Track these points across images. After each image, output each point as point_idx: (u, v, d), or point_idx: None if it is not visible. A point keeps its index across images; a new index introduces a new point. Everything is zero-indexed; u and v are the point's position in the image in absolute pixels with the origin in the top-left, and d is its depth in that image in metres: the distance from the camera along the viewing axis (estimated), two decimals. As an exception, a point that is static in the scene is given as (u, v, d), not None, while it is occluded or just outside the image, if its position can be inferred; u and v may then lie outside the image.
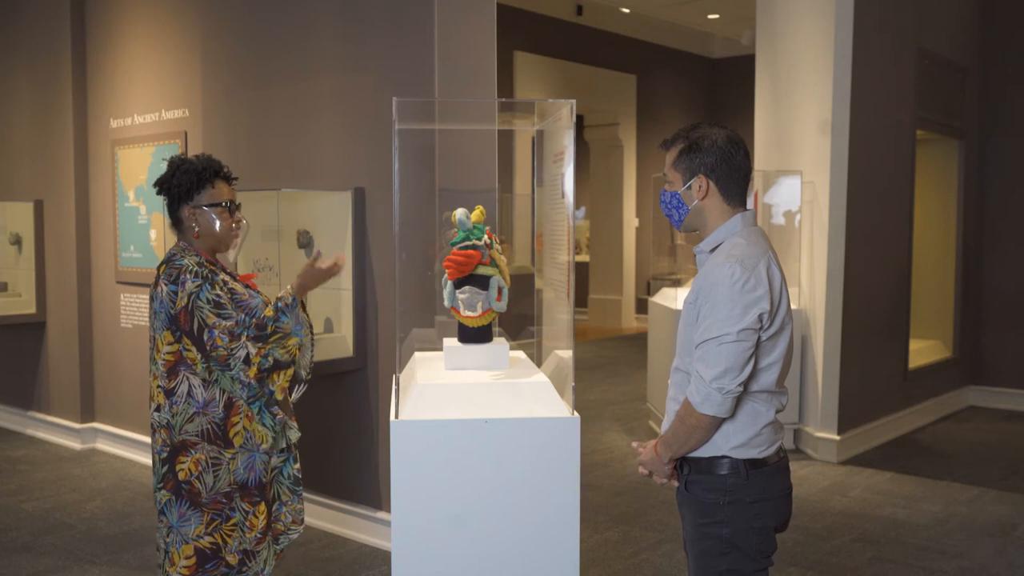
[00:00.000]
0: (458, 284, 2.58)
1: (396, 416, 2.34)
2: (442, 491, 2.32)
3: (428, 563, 2.33)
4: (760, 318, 2.05)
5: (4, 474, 5.34)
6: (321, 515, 4.40)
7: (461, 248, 2.56)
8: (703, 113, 12.95)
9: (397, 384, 2.43)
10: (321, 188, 4.32)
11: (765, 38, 6.45)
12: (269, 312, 2.62)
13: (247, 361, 2.55)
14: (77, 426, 5.92)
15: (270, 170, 4.60)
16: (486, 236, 2.61)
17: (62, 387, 6.05)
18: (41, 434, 6.21)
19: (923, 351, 6.86)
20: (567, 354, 2.64)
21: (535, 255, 3.47)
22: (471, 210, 2.62)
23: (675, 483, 2.28)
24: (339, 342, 4.21)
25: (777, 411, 2.18)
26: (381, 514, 4.14)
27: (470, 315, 2.61)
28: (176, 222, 2.73)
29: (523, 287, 3.21)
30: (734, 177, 2.17)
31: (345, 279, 4.18)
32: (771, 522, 2.18)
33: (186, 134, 5.13)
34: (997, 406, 7.30)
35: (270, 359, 2.59)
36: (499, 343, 2.70)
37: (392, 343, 4.03)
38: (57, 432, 6.08)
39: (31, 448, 5.95)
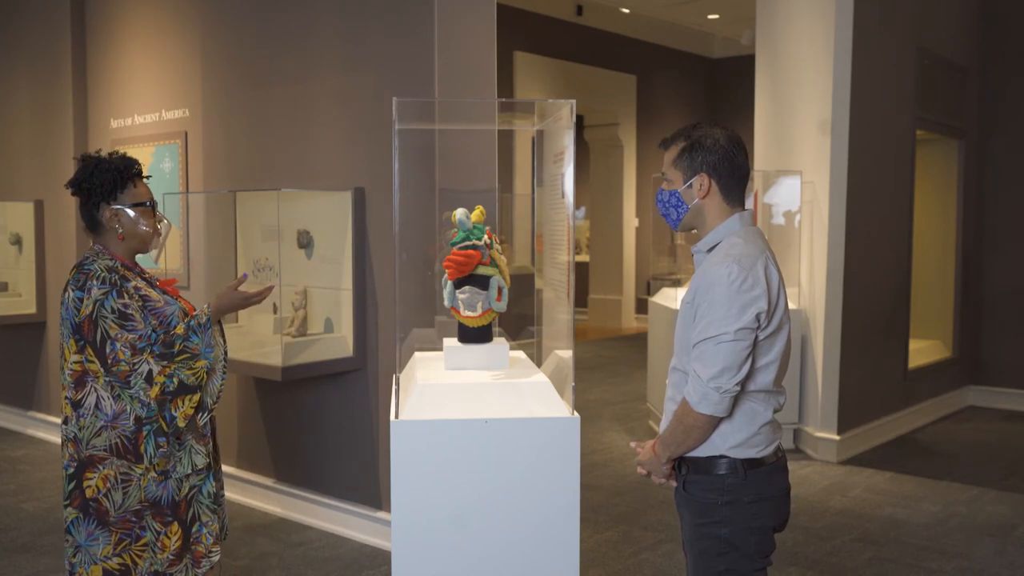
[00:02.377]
0: (458, 284, 2.58)
1: (396, 416, 2.34)
2: (442, 491, 2.33)
3: (428, 563, 2.33)
4: (757, 317, 2.05)
5: (4, 474, 5.34)
6: (321, 515, 4.40)
7: (461, 248, 2.56)
8: (703, 113, 12.95)
9: (397, 384, 2.43)
10: (321, 188, 4.32)
11: (765, 38, 6.45)
12: (179, 330, 2.47)
13: (149, 379, 2.40)
14: (77, 426, 5.91)
15: (270, 170, 4.60)
16: (486, 236, 2.62)
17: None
18: (41, 434, 6.21)
19: (923, 351, 6.86)
20: (567, 354, 2.64)
21: (535, 255, 3.47)
22: (471, 210, 2.62)
23: (673, 483, 2.28)
24: (339, 342, 4.21)
25: (775, 411, 2.18)
26: (381, 514, 4.14)
27: (470, 315, 2.61)
28: (94, 225, 2.54)
29: (523, 287, 3.21)
30: (735, 177, 2.17)
31: (345, 279, 4.18)
32: (769, 522, 2.17)
33: (186, 134, 5.13)
34: (997, 406, 7.30)
35: (175, 380, 2.42)
36: (499, 343, 2.71)
37: (392, 343, 4.03)
38: (57, 432, 6.08)
39: (31, 448, 5.95)
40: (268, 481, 4.68)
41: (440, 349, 2.79)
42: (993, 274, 7.40)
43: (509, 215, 8.03)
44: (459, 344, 2.68)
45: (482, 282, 2.57)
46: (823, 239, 5.64)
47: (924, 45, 6.40)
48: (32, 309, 6.12)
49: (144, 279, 2.59)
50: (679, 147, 2.19)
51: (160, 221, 2.63)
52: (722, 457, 2.13)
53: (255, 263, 4.43)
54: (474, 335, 2.67)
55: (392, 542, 2.34)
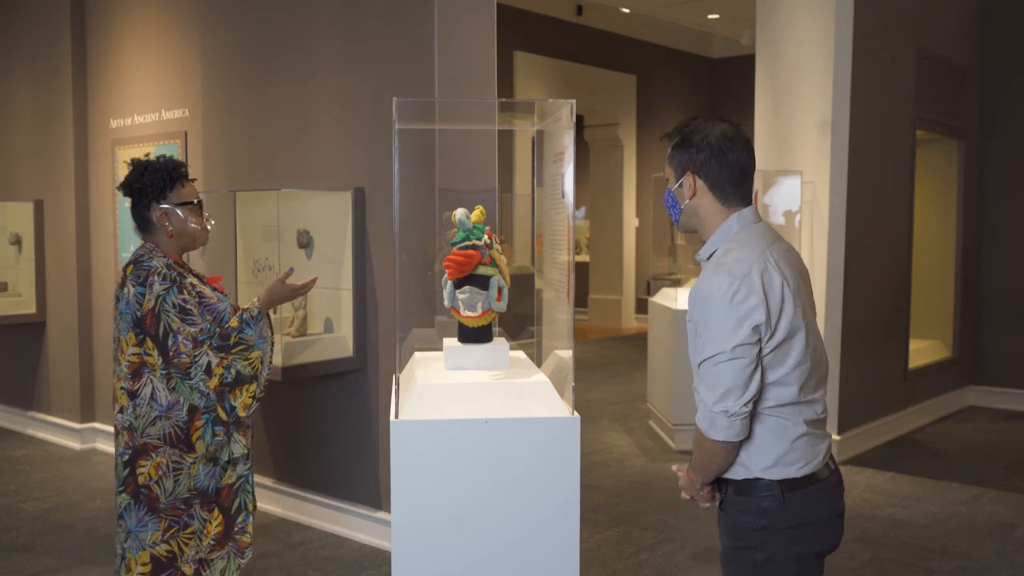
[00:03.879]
0: (458, 284, 2.58)
1: (396, 416, 2.34)
2: (442, 491, 2.33)
3: (428, 563, 2.33)
4: (756, 330, 1.87)
5: (4, 474, 5.34)
6: (321, 515, 4.40)
7: (461, 248, 2.56)
8: (703, 113, 12.88)
9: (397, 384, 2.43)
10: (321, 188, 4.32)
11: (765, 38, 6.45)
12: (233, 323, 2.60)
13: (208, 371, 2.52)
14: (77, 426, 5.91)
15: (270, 170, 4.60)
16: (486, 236, 2.62)
17: (62, 387, 6.05)
18: (41, 434, 6.21)
19: (923, 351, 6.86)
20: (567, 354, 2.64)
21: (535, 255, 3.47)
22: (471, 210, 2.62)
23: (717, 505, 2.13)
24: (339, 342, 4.21)
25: (809, 421, 1.98)
26: (381, 514, 4.14)
27: (470, 315, 2.61)
28: (145, 224, 2.68)
29: (523, 287, 3.20)
30: (727, 175, 1.99)
31: (345, 279, 4.18)
32: (812, 548, 2.01)
33: (186, 134, 5.13)
34: (997, 406, 7.30)
35: (232, 371, 2.55)
36: (499, 343, 2.70)
37: (392, 343, 4.03)
38: (57, 432, 6.08)
39: (31, 448, 5.95)
40: (268, 481, 4.68)
41: (440, 349, 2.79)
42: (993, 274, 7.40)
43: (509, 215, 8.02)
44: (459, 344, 2.68)
45: (482, 282, 2.57)
46: (823, 239, 5.64)
47: (924, 45, 6.40)
48: (32, 309, 6.12)
49: (196, 276, 2.72)
50: (672, 143, 2.06)
51: (208, 220, 2.76)
52: (760, 480, 1.97)
53: (255, 263, 4.43)
54: (474, 335, 2.67)
55: (392, 542, 2.34)
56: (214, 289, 2.72)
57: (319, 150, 4.37)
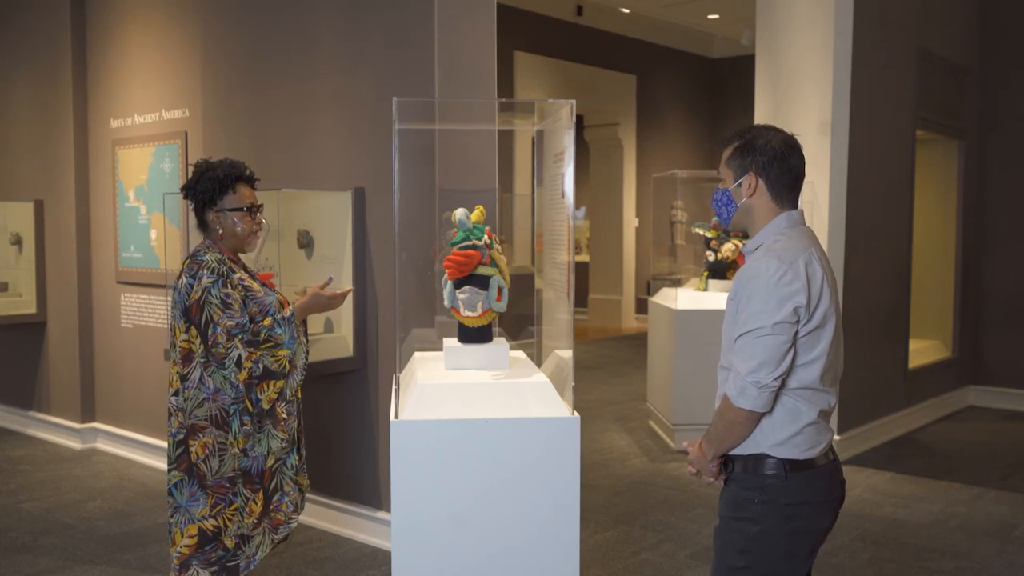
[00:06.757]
0: (458, 284, 2.59)
1: (396, 416, 2.35)
2: (442, 491, 2.33)
3: (428, 563, 2.33)
4: (796, 311, 2.04)
5: (4, 474, 5.34)
6: (321, 515, 4.40)
7: (461, 248, 2.57)
8: (703, 113, 12.95)
9: (397, 384, 2.43)
10: (321, 188, 4.32)
11: (765, 38, 6.45)
12: (267, 322, 2.76)
13: (239, 363, 2.68)
14: (77, 426, 5.92)
15: (270, 170, 4.60)
16: (486, 236, 2.62)
17: (62, 387, 6.05)
18: (41, 434, 6.21)
19: (923, 351, 6.86)
20: (567, 354, 2.64)
21: (535, 255, 3.47)
22: (471, 210, 2.62)
23: (722, 482, 2.26)
24: (339, 342, 4.21)
25: (821, 411, 2.16)
26: (381, 514, 4.14)
27: (470, 315, 2.61)
28: (202, 224, 2.88)
29: (523, 287, 3.21)
30: (785, 179, 2.18)
31: (345, 279, 4.18)
32: (805, 526, 2.15)
33: (186, 134, 5.13)
34: (997, 406, 7.30)
35: (260, 366, 2.70)
36: (499, 343, 2.71)
37: (392, 343, 4.03)
38: (57, 432, 6.08)
39: (31, 448, 5.95)
40: (268, 481, 4.68)
41: (440, 349, 2.79)
42: (993, 274, 7.40)
43: (509, 215, 8.03)
44: (459, 344, 2.68)
45: (482, 282, 2.58)
46: (823, 239, 5.64)
47: (924, 45, 6.40)
48: (32, 309, 6.12)
49: (247, 272, 2.89)
50: (733, 146, 2.23)
51: (259, 223, 2.91)
52: (768, 457, 2.12)
53: (255, 263, 4.43)
54: (474, 335, 2.67)
55: (392, 542, 2.34)
56: (263, 284, 2.90)
57: (319, 150, 4.37)
